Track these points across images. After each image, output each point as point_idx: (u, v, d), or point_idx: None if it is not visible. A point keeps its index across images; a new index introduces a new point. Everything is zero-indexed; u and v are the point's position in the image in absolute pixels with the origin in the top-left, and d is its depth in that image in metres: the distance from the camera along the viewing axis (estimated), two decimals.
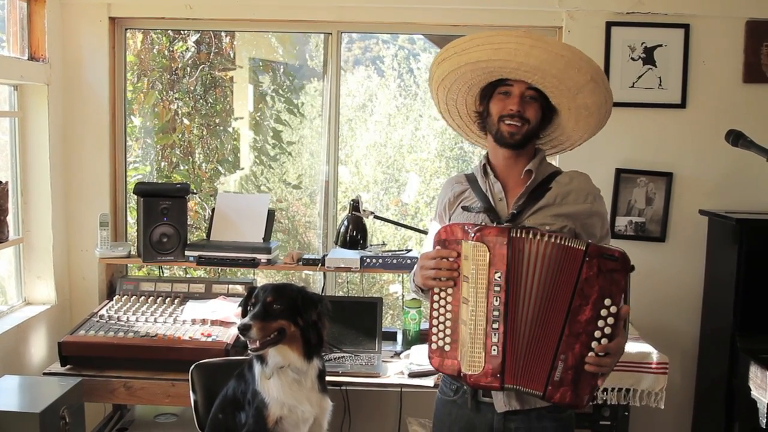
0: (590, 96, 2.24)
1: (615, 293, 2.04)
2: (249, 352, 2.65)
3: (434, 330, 2.20)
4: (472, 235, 2.12)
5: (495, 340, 2.09)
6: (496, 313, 2.09)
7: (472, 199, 2.34)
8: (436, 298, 2.20)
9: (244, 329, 2.57)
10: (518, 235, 2.10)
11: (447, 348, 2.18)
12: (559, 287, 2.08)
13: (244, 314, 2.70)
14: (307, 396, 2.69)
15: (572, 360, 2.06)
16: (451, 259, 2.16)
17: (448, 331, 2.18)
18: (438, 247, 2.19)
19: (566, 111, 2.29)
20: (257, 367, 2.68)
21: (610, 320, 2.04)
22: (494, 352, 2.09)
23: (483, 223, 2.22)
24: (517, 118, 2.23)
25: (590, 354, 2.05)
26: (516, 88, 2.24)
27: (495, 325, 2.09)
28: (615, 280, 2.04)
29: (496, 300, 2.09)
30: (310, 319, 2.70)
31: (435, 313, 2.20)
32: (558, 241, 2.07)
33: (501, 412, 2.25)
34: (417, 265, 2.29)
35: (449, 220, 2.37)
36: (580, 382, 2.07)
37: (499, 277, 2.09)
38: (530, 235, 2.09)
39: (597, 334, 2.05)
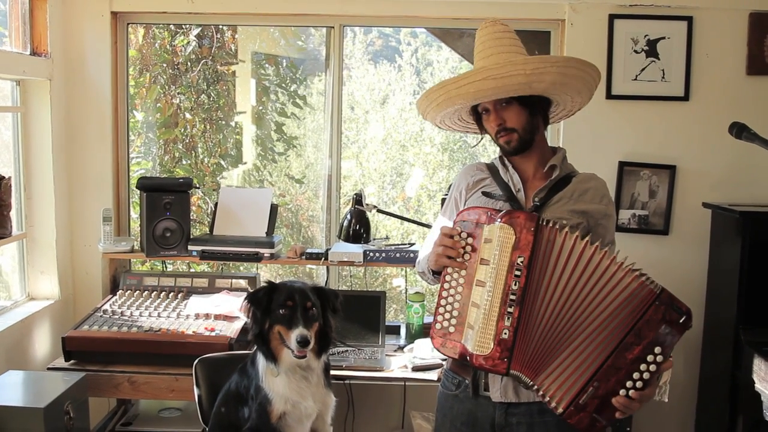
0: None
1: (667, 345, 2.03)
2: (296, 359, 2.58)
3: (441, 310, 2.20)
4: (500, 217, 2.12)
5: (507, 323, 2.08)
6: (512, 297, 2.09)
7: (493, 187, 2.36)
8: (447, 278, 2.20)
9: (305, 342, 2.52)
10: (546, 224, 2.11)
11: (451, 330, 2.17)
12: (610, 311, 2.05)
13: (265, 311, 2.63)
14: (312, 392, 2.67)
15: (603, 390, 2.05)
16: (470, 240, 2.17)
17: (455, 313, 2.17)
18: (458, 228, 2.20)
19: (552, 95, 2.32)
20: (261, 362, 2.66)
21: (653, 368, 2.03)
22: (505, 335, 2.08)
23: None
24: (503, 132, 2.28)
25: (622, 392, 2.04)
26: (489, 103, 2.29)
27: (510, 309, 2.08)
28: (673, 333, 2.03)
29: (515, 284, 2.09)
30: (331, 318, 2.70)
31: (444, 293, 2.20)
32: (637, 275, 2.05)
33: (502, 407, 2.25)
34: (433, 245, 2.27)
35: (464, 204, 2.38)
36: (600, 413, 2.06)
37: (522, 262, 2.09)
38: (565, 230, 2.10)
39: (635, 375, 2.03)
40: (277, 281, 2.72)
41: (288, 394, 2.62)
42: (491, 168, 2.42)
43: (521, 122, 2.27)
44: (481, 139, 2.51)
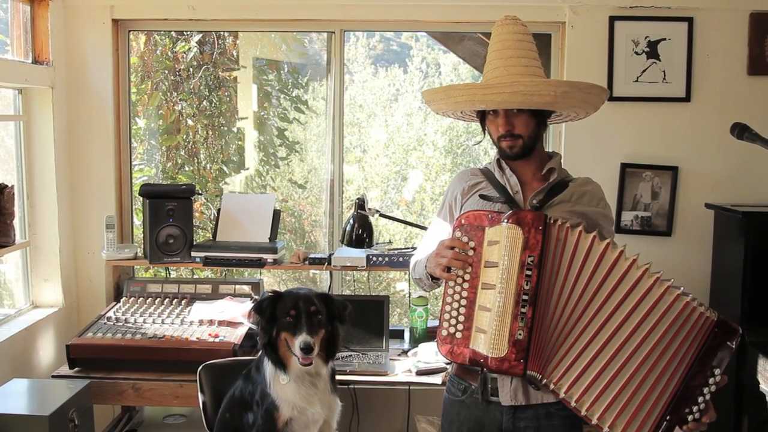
0: (569, 101, 2.24)
1: (724, 364, 2.06)
2: (303, 367, 2.59)
3: (446, 316, 2.17)
4: (506, 217, 2.10)
5: (521, 324, 2.05)
6: (525, 297, 2.05)
7: (489, 190, 2.35)
8: (451, 284, 2.17)
9: (308, 348, 2.53)
10: (554, 223, 2.09)
11: (458, 335, 2.14)
12: (660, 335, 2.04)
13: (270, 320, 2.64)
14: (319, 398, 2.67)
15: (675, 421, 2.05)
16: (472, 244, 2.15)
17: (461, 318, 2.14)
18: (458, 233, 2.18)
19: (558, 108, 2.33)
20: (268, 368, 2.66)
21: (713, 388, 2.06)
22: (519, 336, 2.05)
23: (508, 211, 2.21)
24: (509, 137, 2.27)
25: (690, 417, 2.06)
26: (500, 108, 2.28)
27: (523, 309, 2.05)
28: (728, 353, 2.06)
29: (527, 284, 2.06)
30: (338, 325, 2.71)
31: (449, 299, 2.17)
32: (679, 295, 2.06)
33: (510, 411, 2.24)
34: (434, 256, 2.24)
35: (461, 208, 2.36)
36: None
37: (532, 261, 2.06)
38: (578, 229, 2.08)
39: (699, 399, 2.05)
40: (283, 288, 2.73)
41: (295, 400, 2.62)
42: (485, 172, 2.41)
43: (528, 130, 2.28)
44: (482, 140, 2.50)
